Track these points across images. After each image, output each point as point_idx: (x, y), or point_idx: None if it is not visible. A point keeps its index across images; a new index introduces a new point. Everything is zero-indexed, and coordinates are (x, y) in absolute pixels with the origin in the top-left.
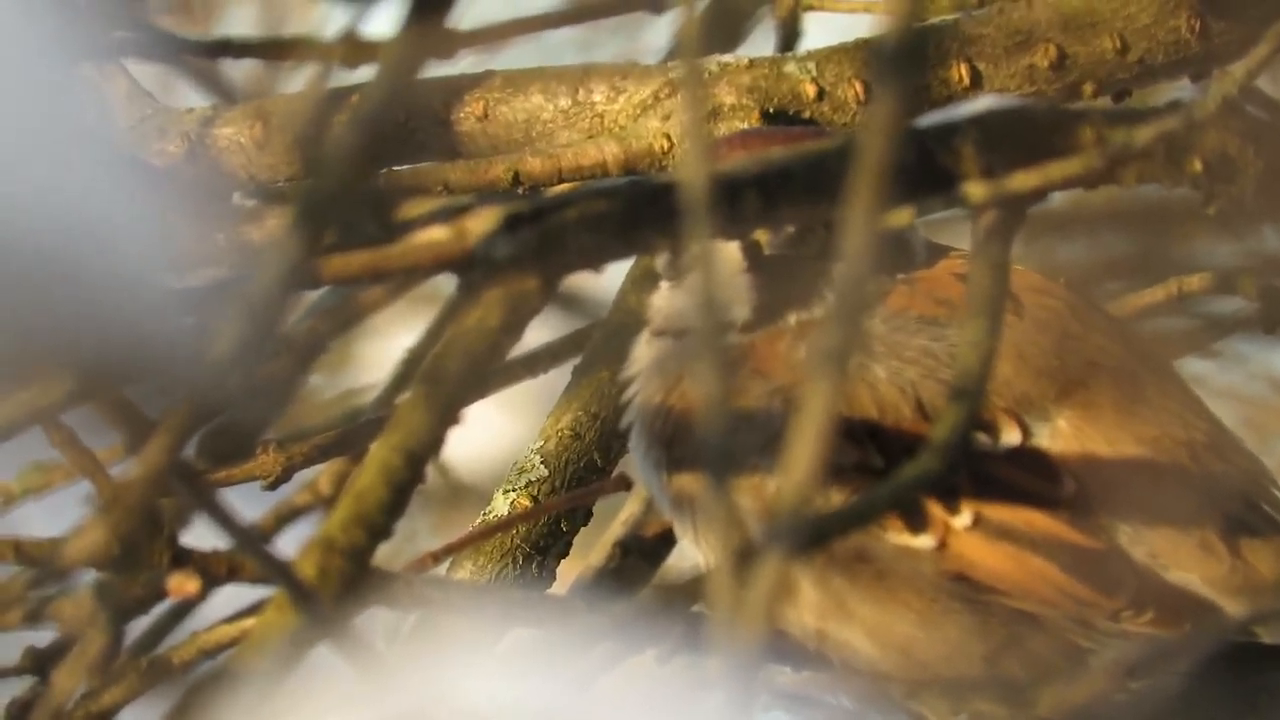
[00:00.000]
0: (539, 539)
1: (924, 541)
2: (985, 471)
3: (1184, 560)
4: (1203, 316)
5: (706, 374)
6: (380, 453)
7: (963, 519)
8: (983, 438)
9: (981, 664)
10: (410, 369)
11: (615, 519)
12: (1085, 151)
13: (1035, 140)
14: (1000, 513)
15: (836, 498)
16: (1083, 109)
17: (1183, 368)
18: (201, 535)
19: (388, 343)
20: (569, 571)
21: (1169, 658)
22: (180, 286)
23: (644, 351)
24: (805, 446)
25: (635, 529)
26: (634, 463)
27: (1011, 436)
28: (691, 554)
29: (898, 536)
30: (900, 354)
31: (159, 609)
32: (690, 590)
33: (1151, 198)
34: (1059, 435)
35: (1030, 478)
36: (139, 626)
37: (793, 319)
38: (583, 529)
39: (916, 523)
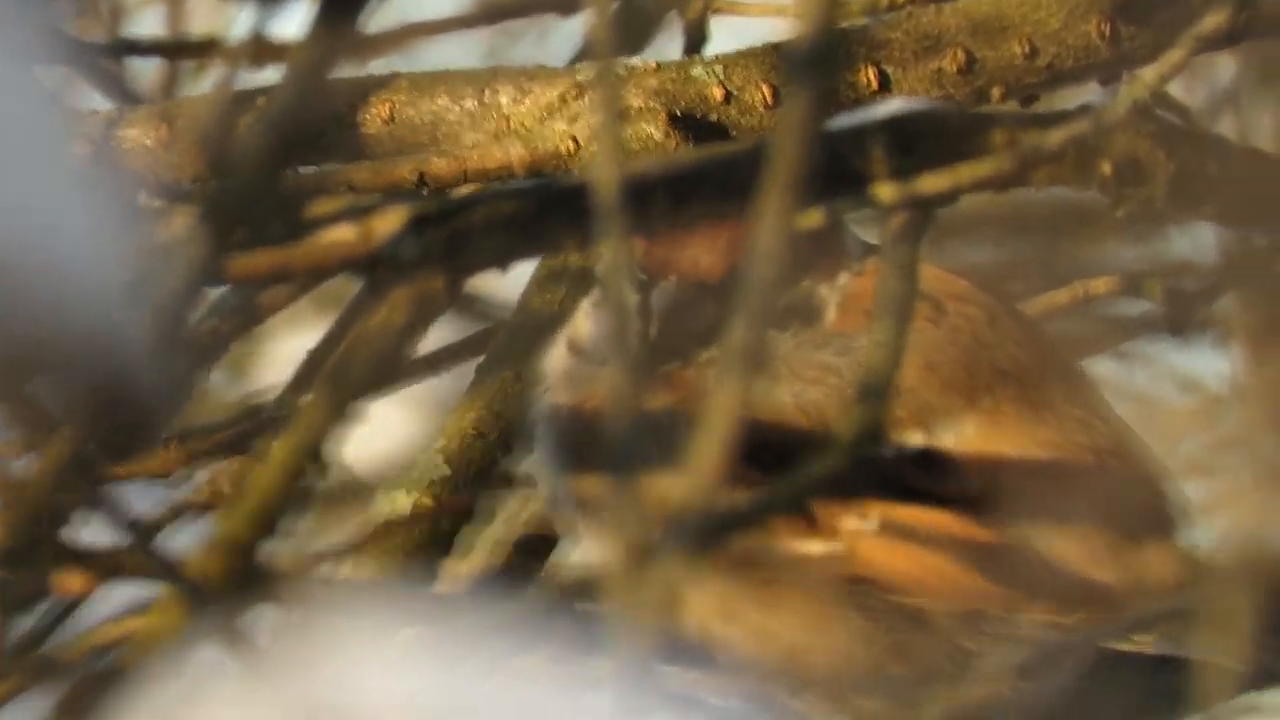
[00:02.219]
0: (436, 537)
1: (823, 546)
2: (888, 475)
3: (1083, 564)
4: (1109, 319)
5: (616, 375)
6: (280, 451)
7: (865, 522)
8: (886, 443)
9: (869, 667)
10: (312, 369)
11: (508, 517)
12: (995, 154)
13: (945, 143)
14: (901, 514)
15: (730, 502)
16: (994, 112)
17: (1090, 370)
18: (92, 532)
19: (290, 342)
20: (460, 570)
21: (1059, 658)
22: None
23: (557, 357)
24: (707, 447)
25: (528, 528)
26: (537, 463)
27: (913, 438)
28: (589, 554)
29: (789, 542)
30: (802, 374)
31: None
32: (582, 589)
33: (1060, 201)
34: (964, 441)
35: (933, 479)
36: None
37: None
38: (479, 528)
39: (809, 527)
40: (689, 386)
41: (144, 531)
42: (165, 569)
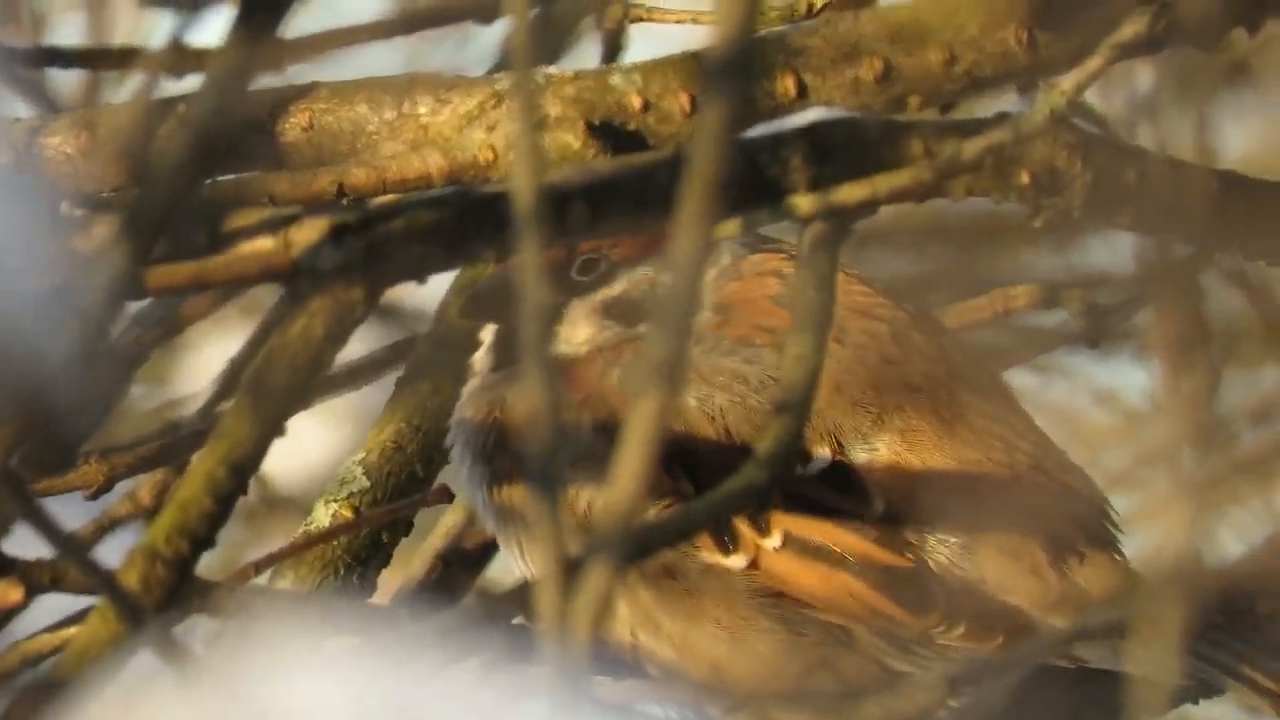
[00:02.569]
0: (360, 550)
1: (735, 561)
2: (796, 492)
3: (1011, 583)
4: (1028, 331)
5: (533, 387)
6: (203, 464)
7: (773, 539)
8: (794, 460)
9: (793, 682)
10: (233, 378)
11: (436, 530)
12: (913, 164)
13: (864, 152)
14: (809, 531)
15: (651, 515)
16: (911, 121)
17: (1009, 382)
18: (25, 544)
19: (211, 352)
20: (390, 582)
21: (991, 674)
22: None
23: (476, 372)
24: (631, 462)
25: (456, 540)
26: (458, 476)
27: (822, 456)
28: (515, 566)
29: (709, 556)
30: (711, 379)
31: None
32: (513, 600)
33: (979, 210)
34: (876, 459)
35: (839, 497)
36: None
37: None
38: (404, 540)
39: (728, 542)
40: (590, 381)
41: (79, 544)
42: (101, 581)
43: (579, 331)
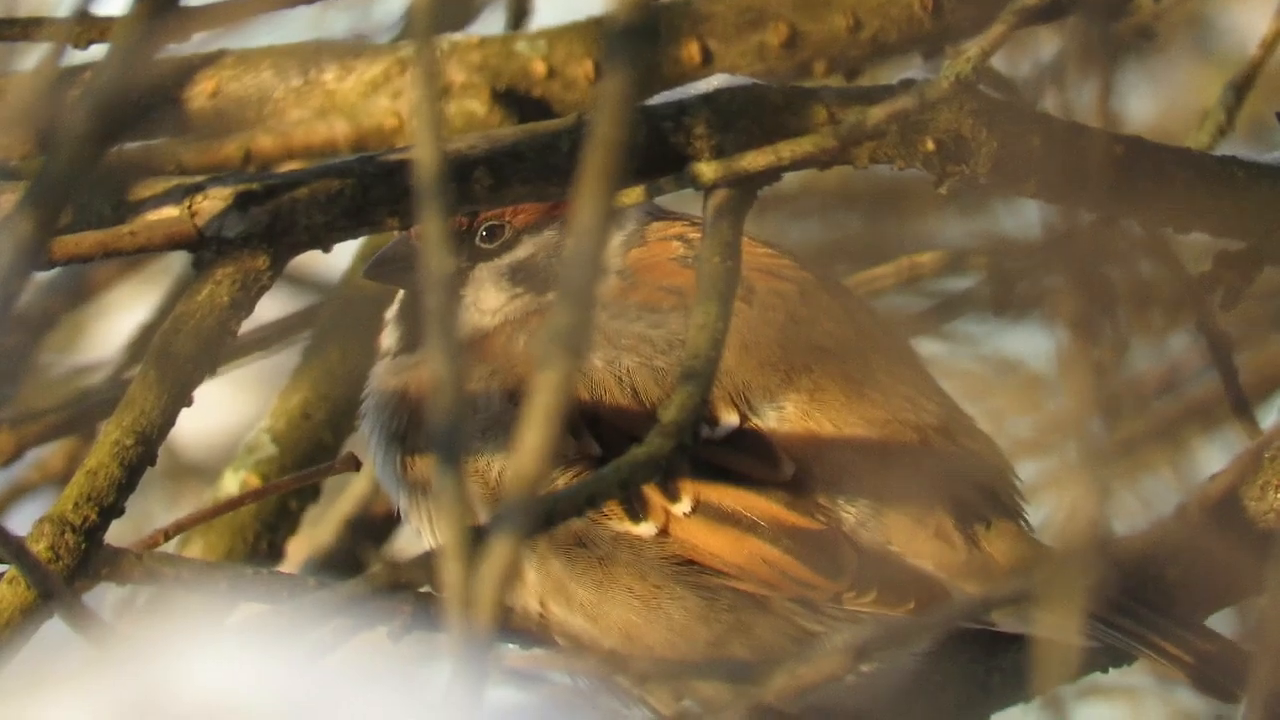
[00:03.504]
0: (269, 517)
1: (645, 528)
2: (704, 457)
3: (918, 548)
4: (934, 296)
5: (437, 355)
6: (112, 433)
7: (683, 505)
8: (703, 425)
9: (707, 648)
10: (141, 345)
11: (344, 497)
12: (818, 131)
13: (767, 119)
14: (719, 496)
15: (558, 483)
16: (816, 88)
17: (915, 347)
18: None
19: (119, 319)
20: (298, 549)
21: (900, 640)
22: None
23: (385, 349)
24: (536, 431)
25: (364, 508)
26: (368, 444)
27: (730, 420)
28: (422, 535)
29: (619, 524)
30: (617, 342)
31: None
32: (420, 569)
33: (884, 177)
34: (784, 421)
35: (748, 461)
36: None
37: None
38: (312, 507)
39: (637, 510)
40: (498, 349)
41: None
42: (10, 548)
43: (487, 297)
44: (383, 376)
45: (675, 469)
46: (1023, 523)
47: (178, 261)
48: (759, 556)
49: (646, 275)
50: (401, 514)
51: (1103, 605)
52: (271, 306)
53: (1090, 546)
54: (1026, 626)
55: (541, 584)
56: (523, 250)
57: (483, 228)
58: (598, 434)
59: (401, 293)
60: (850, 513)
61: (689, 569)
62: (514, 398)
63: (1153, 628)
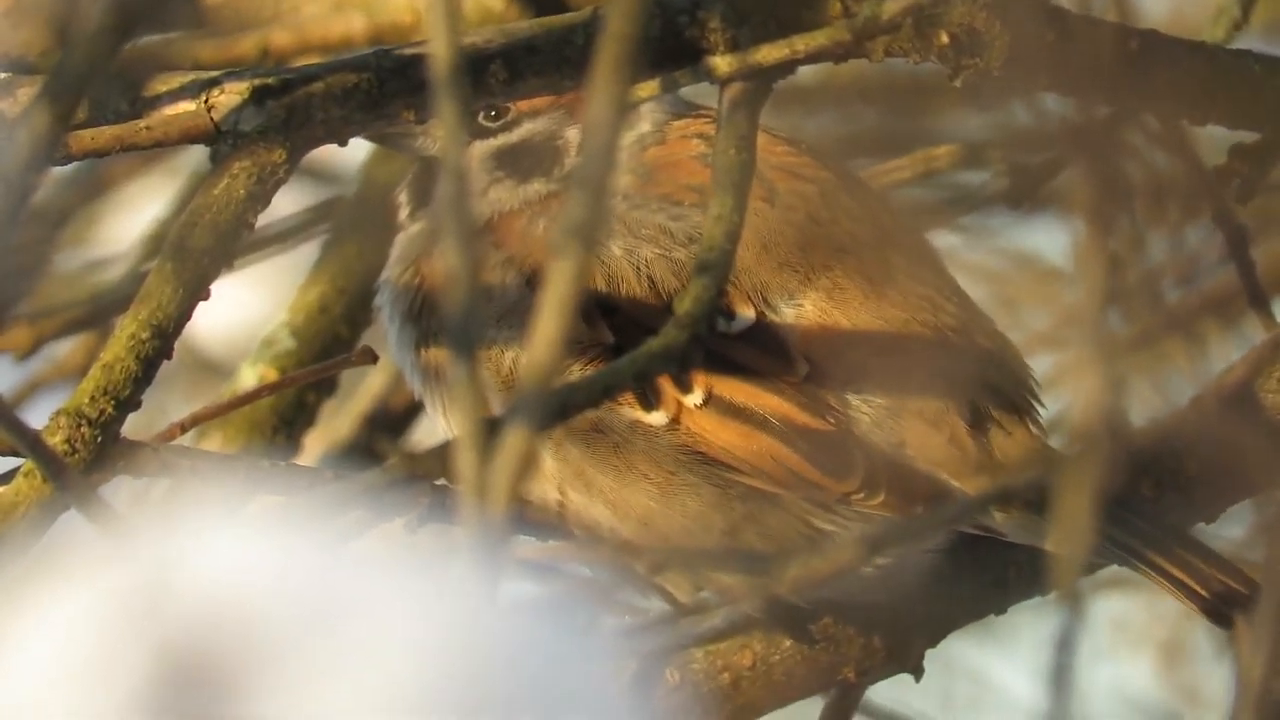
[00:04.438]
0: (286, 410)
1: (657, 418)
2: (718, 351)
3: (928, 447)
4: (950, 190)
5: (449, 247)
6: (128, 326)
7: (694, 396)
8: (719, 318)
9: (721, 538)
10: (157, 240)
11: (361, 391)
12: (832, 24)
13: (782, 13)
14: (731, 390)
15: (573, 372)
16: None
17: (934, 244)
18: None
19: (135, 214)
20: (315, 443)
21: (911, 536)
22: None
23: (400, 221)
24: (549, 321)
25: (381, 402)
26: (387, 337)
27: (746, 315)
28: (440, 427)
29: (632, 411)
30: (636, 232)
31: None
32: (436, 460)
33: (899, 71)
34: (801, 320)
35: (763, 357)
36: None
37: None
38: (329, 401)
39: (650, 399)
40: (515, 235)
41: (5, 405)
42: (27, 441)
43: (475, 178)
44: (397, 264)
45: (690, 360)
46: (1035, 427)
47: (194, 156)
48: (767, 453)
49: (666, 173)
50: (418, 396)
51: (1105, 519)
52: (288, 202)
53: (1102, 440)
54: (1034, 538)
55: (560, 471)
56: (518, 133)
57: (486, 106)
58: (612, 323)
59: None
60: (864, 413)
61: (702, 459)
62: (531, 285)
63: (1152, 545)
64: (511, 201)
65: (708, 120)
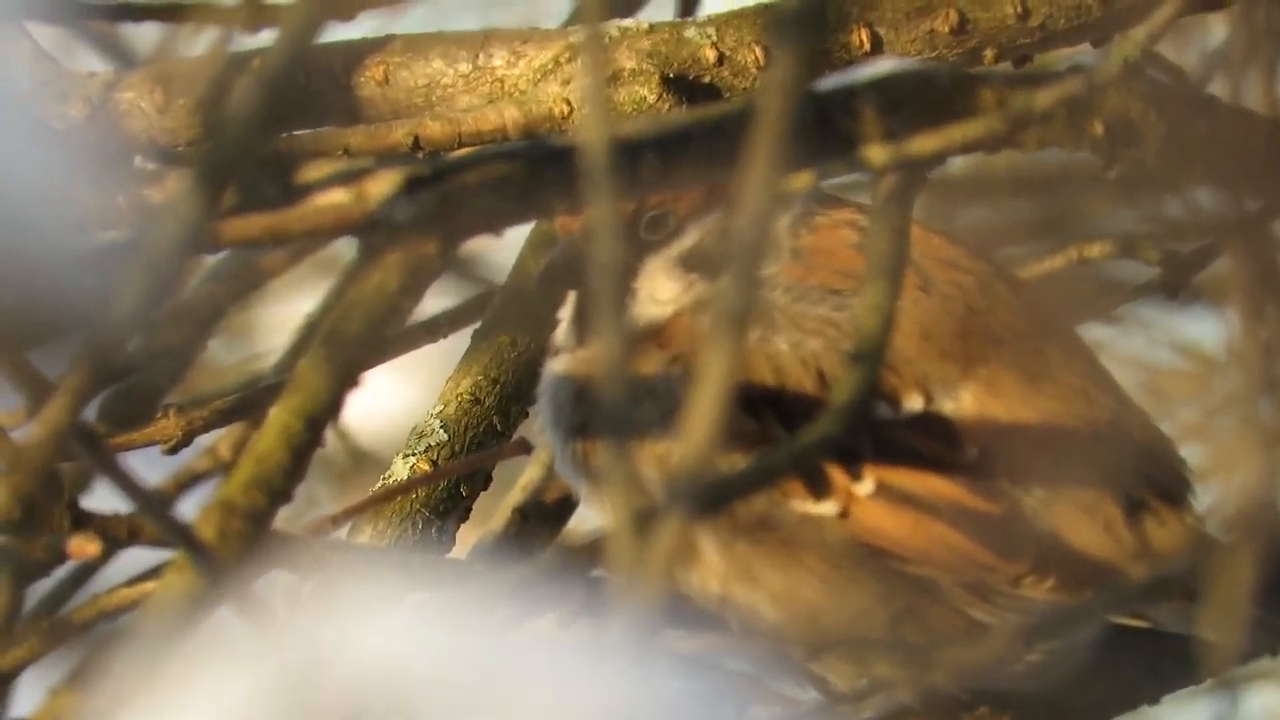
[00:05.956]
0: (438, 503)
1: (827, 508)
2: (887, 438)
3: (1084, 537)
4: (1105, 282)
5: (607, 338)
6: (280, 416)
7: (865, 486)
8: (885, 407)
9: (884, 630)
10: (310, 334)
11: (515, 484)
12: (986, 115)
13: (935, 104)
14: (902, 479)
15: (738, 463)
16: (983, 72)
17: (1085, 334)
18: (102, 498)
19: (288, 308)
20: (468, 536)
21: (1069, 625)
22: (83, 248)
23: (559, 347)
24: (705, 407)
25: (535, 494)
26: (544, 430)
27: (914, 404)
28: (596, 519)
29: (801, 503)
30: (802, 325)
31: (60, 571)
32: (591, 554)
33: (1053, 162)
34: (962, 410)
35: (932, 443)
36: (41, 588)
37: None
38: (482, 494)
39: (819, 489)
40: (681, 333)
41: (158, 497)
42: (178, 534)
43: (662, 288)
44: (557, 368)
45: (856, 449)
46: (1189, 515)
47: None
48: (939, 539)
49: (822, 259)
50: (582, 501)
51: (1258, 606)
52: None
53: (1255, 530)
54: (1188, 626)
55: (726, 567)
56: (689, 238)
57: (646, 218)
58: (782, 418)
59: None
60: (1026, 499)
61: (870, 550)
62: (685, 369)
63: None
64: (681, 302)
65: (854, 210)
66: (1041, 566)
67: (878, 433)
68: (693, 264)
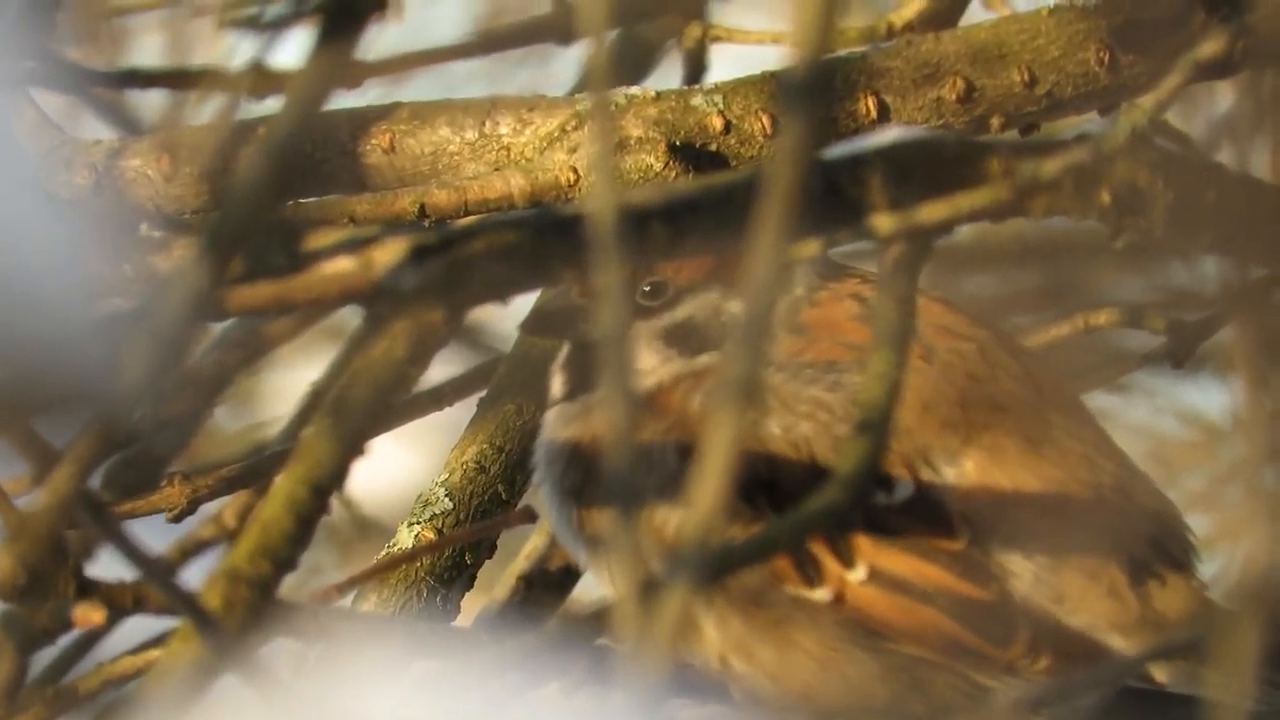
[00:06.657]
0: (443, 572)
1: (820, 594)
2: (880, 523)
3: (1089, 604)
4: (1111, 351)
5: (611, 408)
6: (285, 484)
7: (858, 572)
8: (878, 491)
9: (883, 703)
10: (316, 402)
11: (520, 552)
12: (993, 183)
13: (942, 172)
14: (894, 564)
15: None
16: (990, 141)
17: (1091, 402)
18: (107, 566)
19: (294, 375)
20: (473, 604)
21: (1072, 695)
22: (90, 316)
23: (553, 398)
24: (711, 475)
25: (539, 562)
26: (542, 498)
27: (906, 485)
28: (598, 588)
29: (794, 589)
30: (793, 408)
31: (65, 639)
32: (595, 623)
33: (1059, 230)
34: (963, 480)
35: (922, 527)
36: (45, 657)
37: (692, 366)
38: (487, 562)
39: (812, 576)
40: (674, 405)
41: (162, 566)
42: (184, 602)
43: (642, 358)
44: (553, 427)
45: (850, 524)
46: (1194, 580)
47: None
48: (931, 626)
49: (823, 331)
50: (582, 569)
51: (1264, 670)
52: (445, 363)
53: (1260, 599)
54: (1195, 687)
55: (722, 641)
56: (682, 311)
57: (645, 284)
58: (773, 501)
59: (566, 344)
60: (1026, 569)
61: (864, 631)
62: (690, 454)
63: None
64: (673, 374)
65: (859, 280)
66: (1034, 650)
67: (870, 517)
68: (675, 339)
